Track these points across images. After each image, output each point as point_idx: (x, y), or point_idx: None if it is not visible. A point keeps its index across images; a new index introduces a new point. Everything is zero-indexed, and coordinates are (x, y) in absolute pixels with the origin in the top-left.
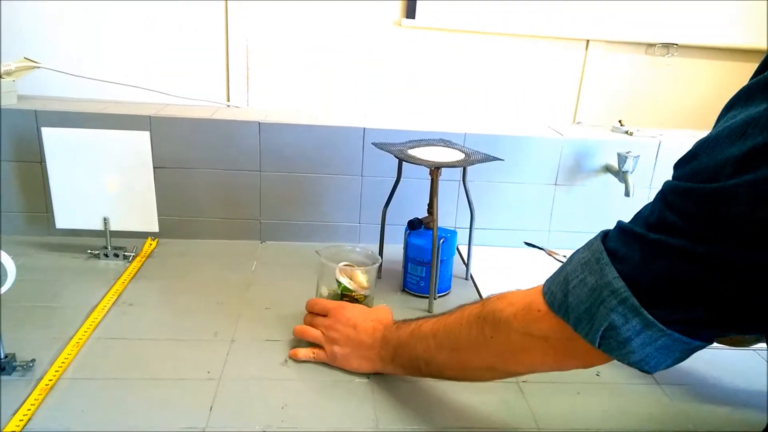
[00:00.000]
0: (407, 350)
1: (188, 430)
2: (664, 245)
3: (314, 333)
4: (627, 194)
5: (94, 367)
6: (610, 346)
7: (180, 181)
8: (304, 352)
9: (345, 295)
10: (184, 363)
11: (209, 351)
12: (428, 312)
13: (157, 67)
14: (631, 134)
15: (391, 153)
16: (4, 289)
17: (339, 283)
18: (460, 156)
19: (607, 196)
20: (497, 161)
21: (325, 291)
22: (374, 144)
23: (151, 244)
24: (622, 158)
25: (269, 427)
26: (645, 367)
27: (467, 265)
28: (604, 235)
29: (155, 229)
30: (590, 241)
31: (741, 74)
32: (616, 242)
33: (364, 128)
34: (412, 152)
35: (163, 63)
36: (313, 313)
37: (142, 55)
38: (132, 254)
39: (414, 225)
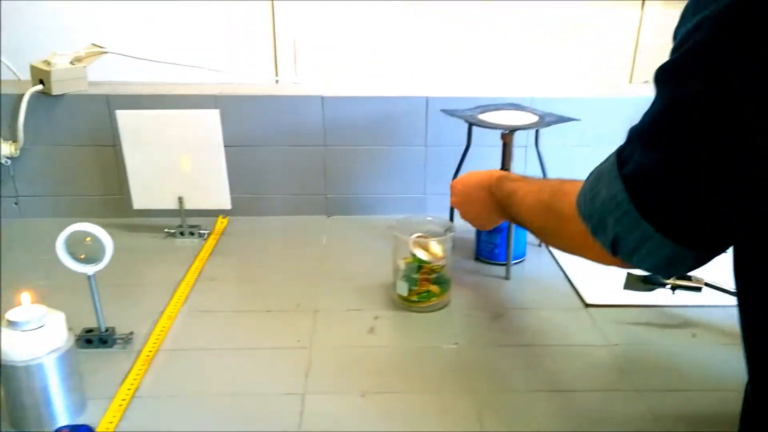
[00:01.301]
0: (510, 207)
1: (289, 395)
2: (654, 137)
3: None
4: None
5: (190, 338)
6: (623, 254)
7: (246, 159)
8: None
9: (421, 268)
10: (273, 333)
11: (295, 321)
12: (506, 278)
13: (209, 54)
14: None
15: (462, 119)
16: (104, 264)
17: (414, 256)
18: (534, 118)
19: None
20: (572, 122)
21: (401, 264)
22: (444, 111)
23: (222, 222)
24: None
25: (367, 392)
26: (658, 273)
27: None
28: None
29: (228, 206)
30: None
31: None
32: (624, 148)
33: (427, 98)
34: (483, 117)
35: (214, 50)
36: None
37: (196, 43)
38: (207, 232)
39: None
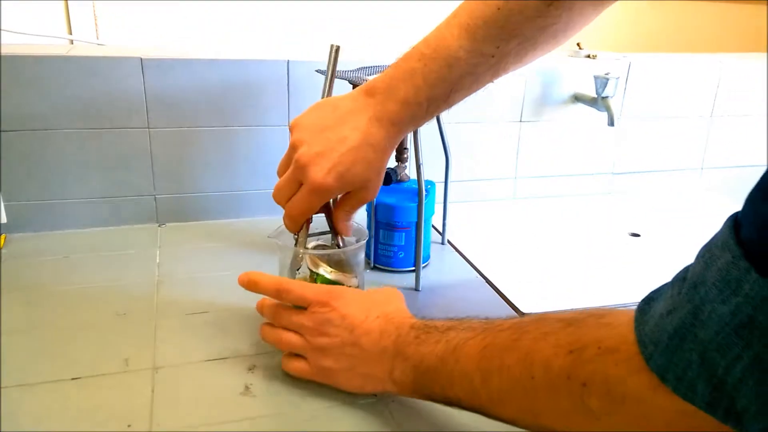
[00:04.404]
0: (438, 382)
1: None
2: None
3: (290, 339)
4: (611, 123)
5: None
6: None
7: (29, 150)
8: (294, 366)
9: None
10: (85, 416)
11: (122, 391)
12: (416, 290)
13: None
14: (594, 57)
15: (348, 80)
16: None
17: (316, 275)
18: None
19: (582, 129)
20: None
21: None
22: (319, 71)
23: None
24: (601, 82)
25: None
26: None
27: (443, 227)
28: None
29: (1, 219)
30: (715, 245)
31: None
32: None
33: (288, 61)
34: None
35: None
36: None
37: None
38: None
39: (389, 178)
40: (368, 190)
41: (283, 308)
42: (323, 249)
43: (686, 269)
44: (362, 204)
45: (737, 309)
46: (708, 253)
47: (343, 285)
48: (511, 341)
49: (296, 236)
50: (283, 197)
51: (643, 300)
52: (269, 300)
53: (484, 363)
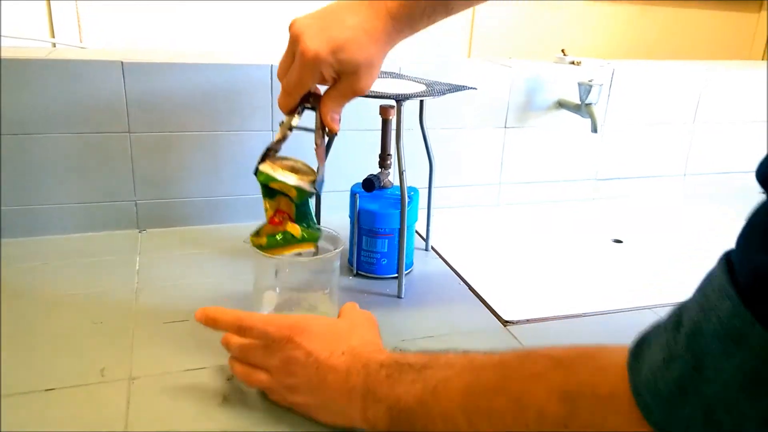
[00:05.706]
0: (416, 424)
1: None
2: None
3: (260, 377)
4: (594, 130)
5: None
6: None
7: (9, 154)
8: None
9: (273, 194)
10: (59, 429)
11: (97, 402)
12: (398, 297)
13: None
14: (578, 64)
15: None
16: None
17: (261, 173)
18: (421, 87)
19: (566, 136)
20: (467, 90)
21: (272, 297)
22: None
23: None
24: (584, 89)
25: None
26: None
27: (427, 233)
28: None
29: None
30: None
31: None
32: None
33: (272, 65)
34: None
35: None
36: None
37: None
38: None
39: (372, 185)
40: (358, 78)
41: (249, 345)
42: (299, 255)
43: (680, 310)
44: (351, 95)
45: (742, 363)
46: (704, 297)
47: (299, 188)
48: (498, 381)
49: (282, 122)
50: (282, 73)
51: (635, 343)
52: (235, 337)
53: (470, 405)
